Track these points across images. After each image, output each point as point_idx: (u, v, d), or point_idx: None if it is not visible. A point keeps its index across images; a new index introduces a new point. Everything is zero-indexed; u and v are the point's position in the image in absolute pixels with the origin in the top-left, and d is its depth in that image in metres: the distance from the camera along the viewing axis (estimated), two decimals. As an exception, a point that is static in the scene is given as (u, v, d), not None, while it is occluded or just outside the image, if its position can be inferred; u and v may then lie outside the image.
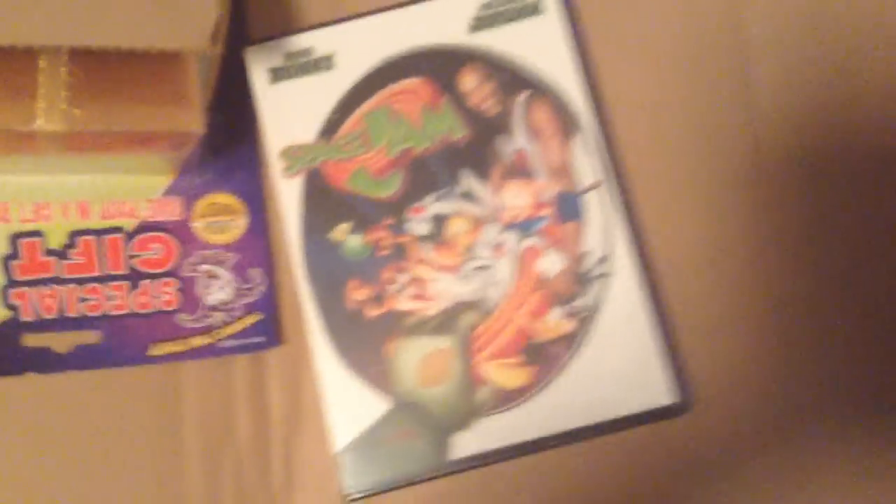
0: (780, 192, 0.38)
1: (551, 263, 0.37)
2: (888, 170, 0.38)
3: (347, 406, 0.36)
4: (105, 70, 0.33)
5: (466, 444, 0.35)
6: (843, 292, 0.37)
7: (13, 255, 0.35)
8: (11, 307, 0.35)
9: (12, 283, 0.35)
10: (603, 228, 0.37)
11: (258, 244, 0.38)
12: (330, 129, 0.38)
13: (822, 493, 0.36)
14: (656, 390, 0.35)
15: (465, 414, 0.36)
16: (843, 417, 0.36)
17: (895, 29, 0.39)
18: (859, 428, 0.36)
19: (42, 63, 0.33)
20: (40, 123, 0.32)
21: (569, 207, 0.37)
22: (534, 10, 0.39)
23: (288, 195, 0.37)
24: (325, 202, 0.37)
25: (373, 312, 0.37)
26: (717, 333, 0.37)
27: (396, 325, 0.36)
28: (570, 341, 0.36)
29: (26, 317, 0.35)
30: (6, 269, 0.35)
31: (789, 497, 0.36)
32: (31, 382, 0.35)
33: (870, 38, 0.39)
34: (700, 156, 0.38)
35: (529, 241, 0.37)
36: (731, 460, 0.36)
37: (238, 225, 0.38)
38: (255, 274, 0.37)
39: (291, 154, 0.38)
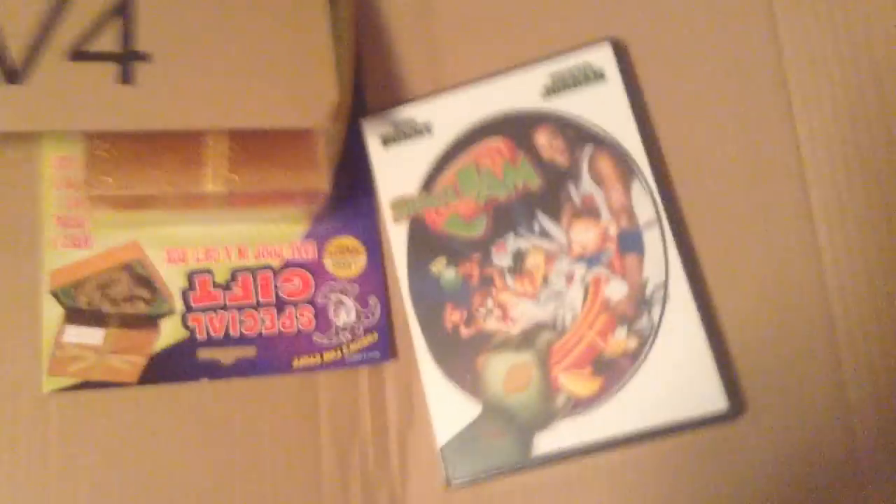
0: (827, 218, 0.37)
1: (616, 290, 0.37)
2: None
3: (447, 409, 0.37)
4: (256, 144, 0.37)
5: (546, 442, 0.36)
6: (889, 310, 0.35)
7: (190, 288, 0.39)
8: (189, 328, 0.38)
9: (189, 310, 0.38)
10: (661, 259, 0.37)
11: (375, 277, 0.40)
12: (429, 183, 0.40)
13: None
14: (709, 398, 0.35)
15: (545, 417, 0.36)
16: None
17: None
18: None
19: (209, 140, 0.36)
20: (208, 187, 0.36)
21: (630, 242, 0.37)
22: (597, 77, 0.39)
23: (397, 237, 0.39)
24: (425, 242, 0.39)
25: (466, 332, 0.38)
26: (769, 348, 0.36)
27: (485, 342, 0.38)
28: (634, 356, 0.36)
29: (200, 336, 0.38)
30: (184, 299, 0.39)
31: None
32: (203, 387, 0.38)
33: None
34: (751, 190, 0.37)
35: (596, 271, 0.37)
36: (782, 469, 0.35)
37: (359, 262, 0.40)
38: (373, 301, 0.39)
39: (399, 204, 0.40)
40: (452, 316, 0.38)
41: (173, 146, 0.36)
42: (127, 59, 0.34)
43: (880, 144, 0.37)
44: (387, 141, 0.40)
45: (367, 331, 0.39)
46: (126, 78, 0.33)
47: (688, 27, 0.39)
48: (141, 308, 0.38)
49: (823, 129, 0.37)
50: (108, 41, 0.34)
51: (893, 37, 0.37)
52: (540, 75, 0.39)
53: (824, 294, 0.36)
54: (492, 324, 0.38)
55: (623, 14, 0.40)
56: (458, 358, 0.37)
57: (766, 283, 0.36)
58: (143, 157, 0.35)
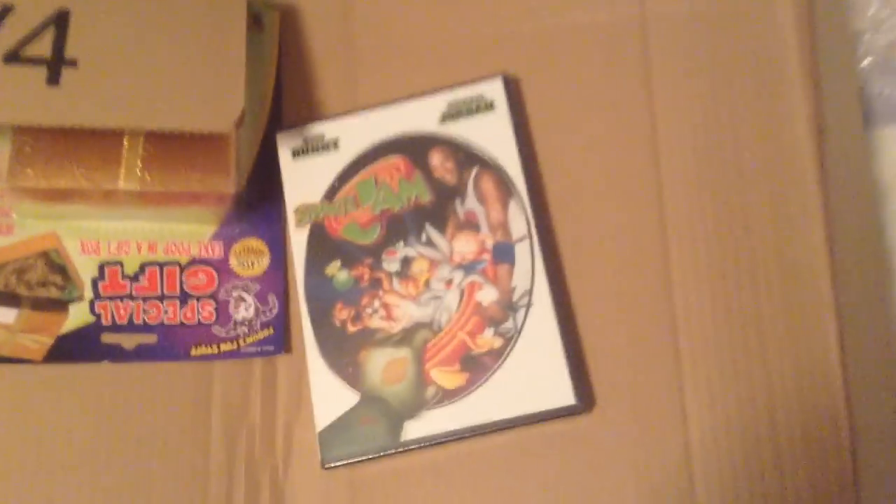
0: (685, 236, 0.42)
1: (487, 295, 0.42)
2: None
3: (327, 398, 0.42)
4: (169, 147, 0.42)
5: (416, 429, 0.40)
6: (742, 328, 0.41)
7: (100, 277, 0.43)
8: (96, 314, 0.43)
9: (98, 297, 0.43)
10: (528, 270, 0.42)
11: (276, 277, 0.44)
12: (331, 193, 0.45)
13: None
14: (560, 394, 0.40)
15: (416, 406, 0.41)
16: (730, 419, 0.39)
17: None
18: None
19: (125, 141, 0.41)
20: (121, 184, 0.41)
21: (503, 253, 0.42)
22: (488, 107, 0.45)
23: (297, 240, 0.44)
24: (323, 246, 0.44)
25: (352, 328, 0.43)
26: (619, 352, 0.41)
27: (369, 338, 0.42)
28: (498, 354, 0.41)
29: (105, 322, 0.43)
30: (94, 287, 0.43)
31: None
32: (106, 370, 0.42)
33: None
34: (614, 211, 0.43)
35: (471, 278, 0.42)
36: (623, 460, 0.40)
37: (262, 262, 0.45)
38: (272, 299, 0.44)
39: (302, 211, 0.45)
40: (341, 314, 0.43)
41: (93, 144, 0.41)
42: (56, 64, 0.39)
43: (730, 167, 0.42)
44: (296, 153, 0.46)
45: (264, 325, 0.44)
46: (53, 80, 0.39)
47: (571, 67, 0.45)
48: (53, 293, 0.42)
49: (683, 166, 0.43)
50: (41, 48, 0.39)
51: (751, 78, 0.43)
52: (438, 102, 0.45)
53: (670, 303, 0.41)
54: (376, 322, 0.42)
55: (518, 52, 0.46)
56: (343, 352, 0.42)
57: (620, 294, 0.42)
58: (64, 153, 0.40)
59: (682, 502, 0.39)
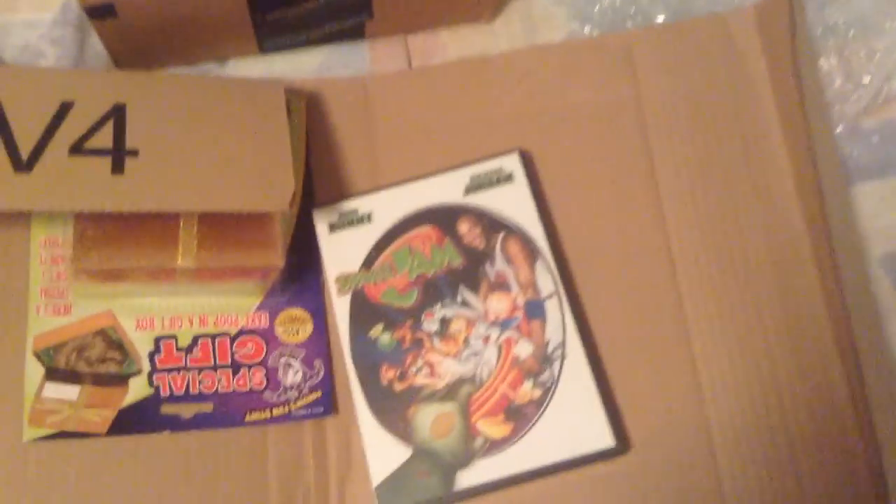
0: (695, 287, 0.47)
1: (523, 349, 0.46)
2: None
3: (381, 453, 0.45)
4: (221, 226, 0.45)
5: (468, 479, 0.44)
6: (756, 364, 0.46)
7: (156, 351, 0.46)
8: (154, 386, 0.46)
9: (154, 370, 0.46)
10: (559, 323, 0.47)
11: (320, 342, 0.48)
12: (369, 262, 0.49)
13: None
14: (599, 438, 0.44)
15: (465, 457, 0.45)
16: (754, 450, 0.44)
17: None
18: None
19: (182, 223, 0.45)
20: (179, 261, 0.44)
21: (534, 310, 0.47)
22: (507, 179, 0.50)
23: (341, 307, 0.48)
24: (365, 311, 0.48)
25: (399, 386, 0.46)
26: (648, 395, 0.45)
27: (415, 395, 0.46)
28: (539, 404, 0.45)
29: (164, 393, 0.46)
30: (151, 361, 0.46)
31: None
32: (166, 438, 0.45)
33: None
34: (629, 268, 0.48)
35: (507, 334, 0.47)
36: (660, 497, 0.44)
37: (306, 329, 0.48)
38: (318, 363, 0.48)
39: (343, 279, 0.49)
40: (388, 373, 0.47)
41: (150, 227, 0.44)
42: (119, 154, 0.43)
43: (730, 222, 0.48)
44: (333, 227, 0.50)
45: (312, 389, 0.47)
46: (118, 169, 0.42)
47: (579, 141, 0.51)
48: (112, 368, 0.45)
49: (687, 224, 0.49)
50: (103, 140, 0.43)
51: (740, 141, 0.50)
52: (462, 176, 0.50)
53: (689, 347, 0.46)
54: (421, 379, 0.46)
55: (527, 130, 0.52)
56: (392, 409, 0.46)
57: (642, 340, 0.46)
58: (125, 236, 0.44)
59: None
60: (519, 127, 0.51)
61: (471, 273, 0.48)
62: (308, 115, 0.51)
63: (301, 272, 0.49)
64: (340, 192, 0.50)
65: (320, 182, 0.51)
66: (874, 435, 0.43)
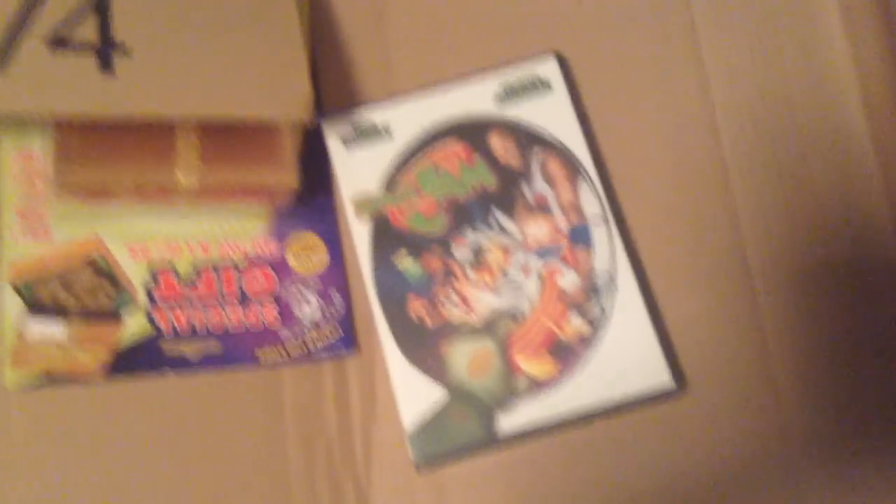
0: (753, 206, 0.45)
1: (569, 280, 0.43)
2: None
3: (413, 395, 0.42)
4: (224, 140, 0.40)
5: (510, 422, 0.41)
6: (817, 290, 0.43)
7: (154, 284, 0.42)
8: (153, 323, 0.41)
9: (154, 305, 0.41)
10: (608, 251, 0.43)
11: (337, 273, 0.44)
12: (391, 183, 0.45)
13: (803, 476, 0.42)
14: (656, 377, 0.41)
15: (506, 399, 0.42)
16: (819, 407, 0.42)
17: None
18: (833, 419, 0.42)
19: (180, 133, 0.40)
20: (181, 178, 0.39)
21: (580, 236, 0.44)
22: (544, 87, 0.46)
23: (360, 233, 0.44)
24: (389, 238, 0.44)
25: (429, 322, 0.43)
26: (703, 329, 0.43)
27: (449, 330, 0.43)
28: (587, 341, 0.42)
29: (165, 330, 0.41)
30: (148, 294, 0.42)
31: (770, 477, 0.41)
32: (169, 382, 0.41)
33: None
34: (679, 187, 0.45)
35: (550, 263, 0.44)
36: (720, 437, 0.42)
37: (321, 258, 0.44)
38: (336, 296, 0.44)
39: (362, 202, 0.45)
40: (416, 306, 0.43)
41: (143, 138, 0.39)
42: (105, 49, 0.37)
43: (794, 140, 0.45)
44: (347, 141, 0.45)
45: (330, 325, 0.43)
46: (105, 67, 0.37)
47: (621, 43, 0.47)
48: (104, 302, 0.41)
49: (742, 134, 0.46)
50: (84, 31, 0.37)
51: (802, 50, 0.46)
52: (491, 84, 0.46)
53: (748, 276, 0.44)
54: (454, 313, 0.43)
55: (565, 30, 0.47)
56: (423, 346, 0.42)
57: (696, 270, 0.44)
58: (114, 147, 0.39)
59: (783, 472, 0.41)
60: (554, 26, 0.47)
61: (506, 195, 0.44)
62: (312, 7, 0.46)
63: (311, 192, 0.44)
64: (351, 100, 0.46)
65: (327, 87, 0.46)
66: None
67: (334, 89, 0.46)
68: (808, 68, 0.46)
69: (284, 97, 0.39)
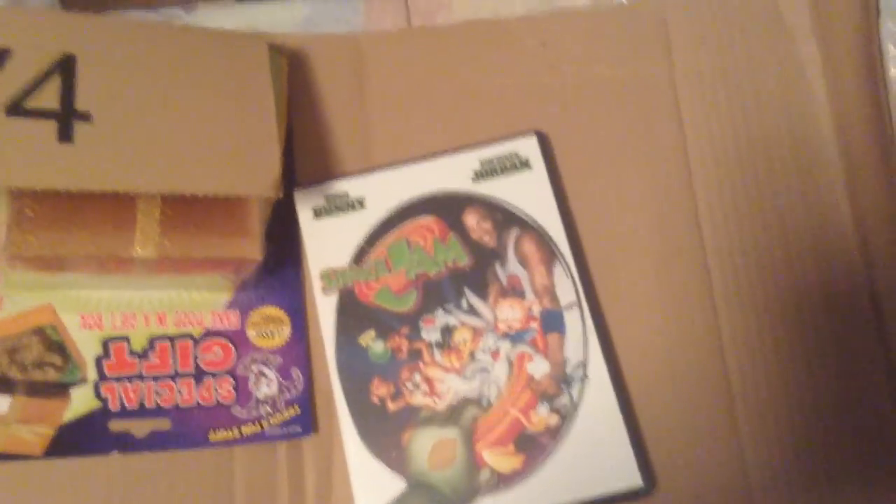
0: (727, 301, 0.44)
1: (539, 367, 0.43)
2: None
3: (370, 486, 0.41)
4: (187, 210, 0.40)
5: (469, 517, 0.40)
6: (788, 387, 0.43)
7: (105, 356, 0.41)
8: (101, 398, 0.40)
9: (103, 379, 0.41)
10: (580, 339, 0.43)
11: (299, 349, 0.43)
12: (360, 256, 0.45)
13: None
14: (627, 475, 0.41)
15: (468, 493, 0.41)
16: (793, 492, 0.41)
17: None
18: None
19: (140, 204, 0.40)
20: (138, 250, 0.39)
21: (552, 321, 0.43)
22: (523, 165, 0.46)
23: (325, 308, 0.44)
24: (355, 314, 0.43)
25: (392, 406, 0.42)
26: (673, 427, 0.42)
27: (412, 417, 0.42)
28: (555, 433, 0.42)
29: (113, 407, 0.41)
30: (98, 367, 0.41)
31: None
32: (115, 461, 0.40)
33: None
34: (658, 279, 0.45)
35: (521, 349, 0.43)
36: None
37: (283, 333, 0.44)
38: (296, 374, 0.43)
39: (329, 275, 0.44)
40: (379, 389, 0.42)
41: (102, 207, 0.39)
42: (66, 117, 0.37)
43: (773, 227, 0.45)
44: (318, 213, 0.45)
45: (289, 403, 0.43)
46: (64, 136, 0.37)
47: (605, 123, 0.47)
48: (51, 375, 0.40)
49: (724, 223, 0.45)
50: (47, 98, 0.37)
51: (778, 116, 0.46)
52: (470, 160, 0.46)
53: (725, 373, 0.43)
54: (418, 398, 0.42)
55: (547, 107, 0.47)
56: (384, 432, 0.42)
57: (672, 363, 0.43)
58: (71, 218, 0.38)
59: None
60: (535, 102, 0.47)
61: (479, 275, 0.44)
62: (290, 77, 0.46)
63: (278, 264, 0.44)
64: (327, 172, 0.46)
65: (303, 158, 0.46)
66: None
67: (310, 160, 0.46)
68: (798, 166, 0.46)
69: (252, 174, 0.39)
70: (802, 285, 0.44)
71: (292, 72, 0.46)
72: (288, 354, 0.43)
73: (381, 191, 0.45)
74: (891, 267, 0.43)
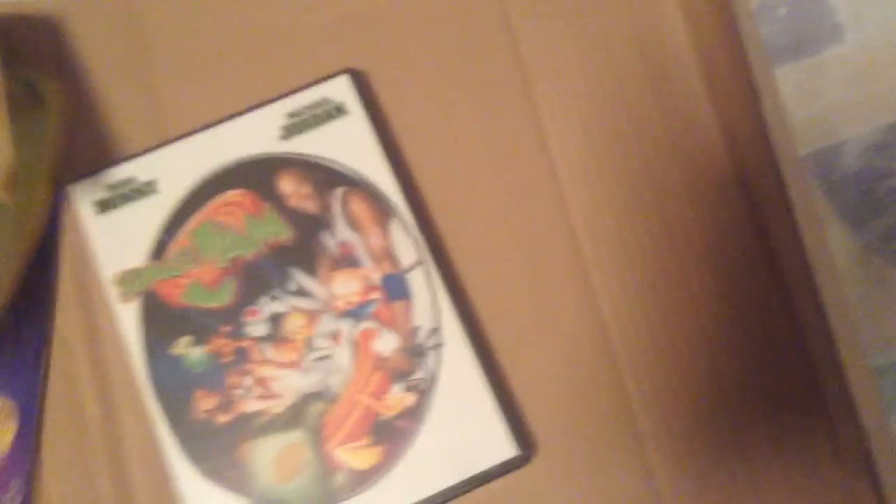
0: (589, 232, 0.40)
1: (386, 342, 0.37)
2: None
3: (209, 515, 0.35)
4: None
5: (330, 529, 0.35)
6: (667, 316, 0.39)
7: None
8: None
9: None
10: (430, 303, 0.38)
11: (24, 452, 0.36)
12: (159, 250, 0.38)
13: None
14: (499, 446, 0.36)
15: (325, 501, 0.36)
16: (688, 432, 0.38)
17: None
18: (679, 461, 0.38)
19: None
20: None
21: (395, 288, 0.38)
22: (339, 112, 0.40)
23: (126, 319, 0.37)
24: (163, 320, 0.37)
25: (222, 419, 0.36)
26: (547, 385, 0.38)
27: (247, 427, 0.36)
28: (414, 413, 0.37)
29: None
30: None
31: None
32: None
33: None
34: (511, 220, 0.40)
35: (364, 325, 0.38)
36: (583, 500, 0.37)
37: (6, 432, 0.36)
38: (15, 485, 0.36)
39: (125, 279, 0.38)
40: (204, 402, 0.36)
41: None
42: None
43: (632, 153, 0.41)
44: (102, 207, 0.38)
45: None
46: None
47: (428, 52, 0.41)
48: None
49: (575, 144, 0.41)
50: None
51: (631, 41, 0.42)
52: (275, 115, 0.40)
53: (596, 305, 0.39)
54: (253, 404, 0.37)
55: (361, 41, 0.41)
56: (217, 451, 0.36)
57: (538, 310, 0.39)
58: None
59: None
60: (347, 38, 0.41)
61: (304, 248, 0.38)
62: (53, 56, 0.39)
63: (12, 327, 0.36)
64: (109, 156, 0.39)
65: (81, 148, 0.39)
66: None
67: (89, 147, 0.39)
68: (643, 60, 0.41)
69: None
70: (670, 200, 0.40)
71: (49, 45, 0.39)
72: (9, 461, 0.35)
73: (175, 168, 0.39)
74: (759, 156, 0.40)
